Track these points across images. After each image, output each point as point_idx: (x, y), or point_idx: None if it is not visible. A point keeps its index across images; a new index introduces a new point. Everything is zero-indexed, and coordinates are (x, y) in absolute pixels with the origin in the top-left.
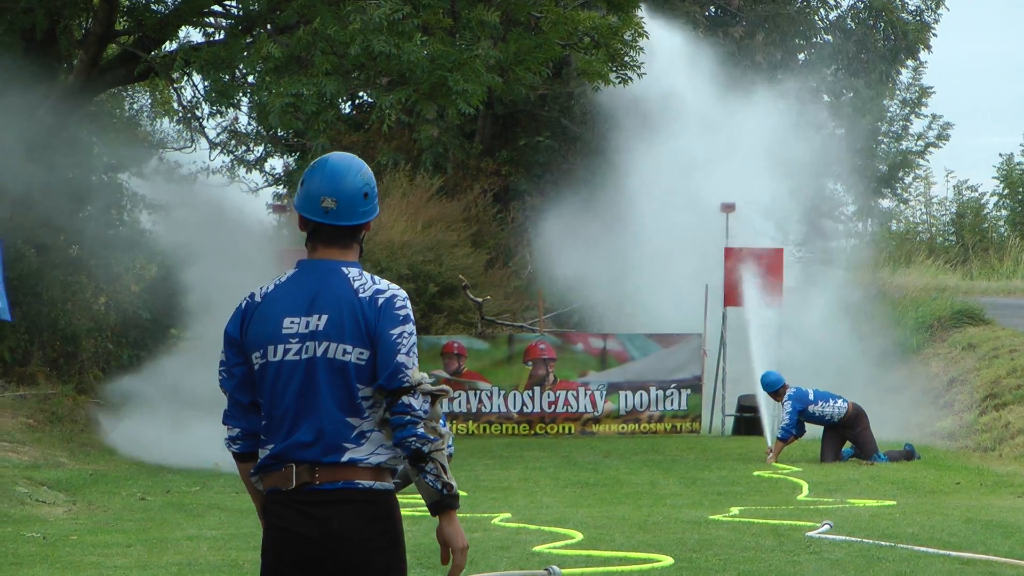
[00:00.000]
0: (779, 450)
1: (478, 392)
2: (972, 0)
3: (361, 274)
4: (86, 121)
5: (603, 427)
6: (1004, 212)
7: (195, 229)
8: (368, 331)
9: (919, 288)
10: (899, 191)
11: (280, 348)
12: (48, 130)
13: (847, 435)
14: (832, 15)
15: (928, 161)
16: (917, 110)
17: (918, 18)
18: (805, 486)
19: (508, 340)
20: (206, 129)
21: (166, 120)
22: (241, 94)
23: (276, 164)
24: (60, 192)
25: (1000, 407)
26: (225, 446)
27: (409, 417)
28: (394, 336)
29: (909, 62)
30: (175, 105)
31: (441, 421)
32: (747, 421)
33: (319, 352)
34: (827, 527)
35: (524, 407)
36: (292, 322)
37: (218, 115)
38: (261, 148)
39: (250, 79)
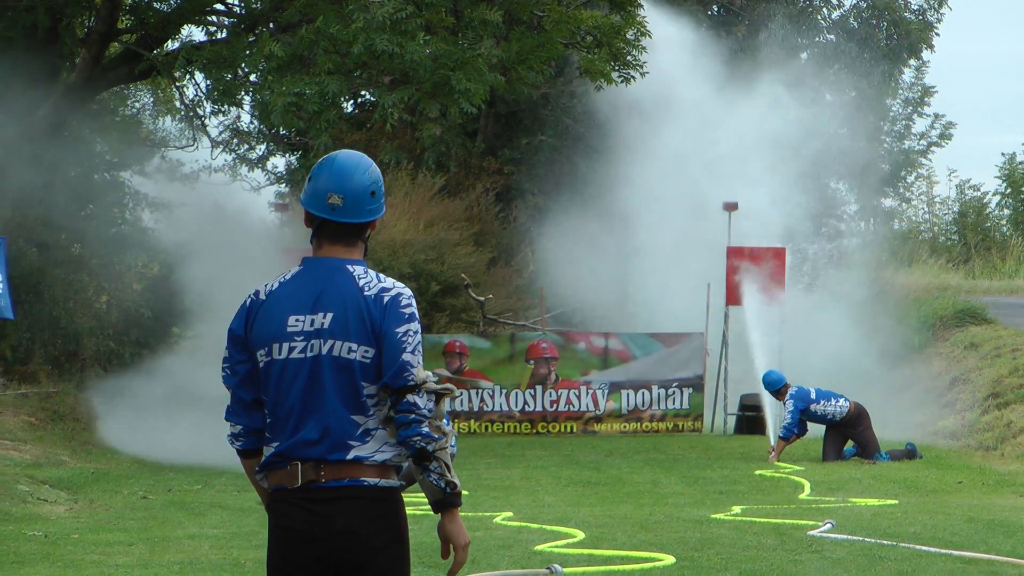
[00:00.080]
0: (781, 449)
1: (480, 391)
2: None
3: (366, 272)
4: (88, 119)
5: (605, 426)
6: (1007, 211)
7: (198, 228)
8: (373, 329)
9: (921, 287)
10: (902, 190)
11: (285, 346)
12: (50, 128)
13: (849, 434)
14: (835, 14)
15: (931, 160)
16: (920, 109)
17: (921, 17)
18: (807, 485)
19: (510, 339)
20: (208, 128)
21: (168, 118)
22: (243, 93)
23: (278, 163)
24: (62, 190)
25: (1002, 406)
26: (228, 443)
27: (414, 416)
28: (399, 334)
29: (912, 61)
30: (177, 104)
31: (445, 420)
32: (749, 420)
33: (324, 350)
34: (829, 526)
35: (526, 406)
36: (297, 320)
37: (220, 114)
38: (263, 147)
39: (252, 78)
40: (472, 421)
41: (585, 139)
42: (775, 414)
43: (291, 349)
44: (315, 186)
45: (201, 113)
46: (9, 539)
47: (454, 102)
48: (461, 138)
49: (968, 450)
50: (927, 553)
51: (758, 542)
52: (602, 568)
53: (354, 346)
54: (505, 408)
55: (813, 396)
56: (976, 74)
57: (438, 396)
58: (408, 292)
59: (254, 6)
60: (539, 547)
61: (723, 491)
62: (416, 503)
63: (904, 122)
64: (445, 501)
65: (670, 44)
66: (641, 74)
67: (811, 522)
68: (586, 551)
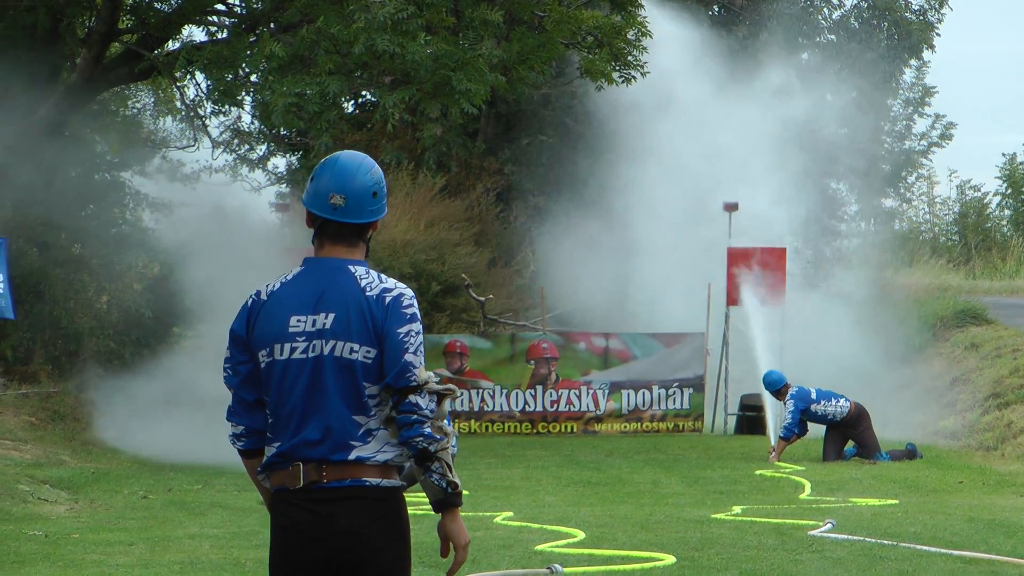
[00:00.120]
0: (781, 449)
1: (480, 391)
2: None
3: (368, 272)
4: (89, 119)
5: (605, 426)
6: (1007, 212)
7: (200, 228)
8: (375, 329)
9: (922, 288)
10: (902, 191)
11: (287, 347)
12: (51, 128)
13: (850, 434)
14: (836, 14)
15: (931, 161)
16: (920, 110)
17: (921, 17)
18: (807, 485)
19: (510, 339)
20: (209, 128)
21: (169, 119)
22: (244, 93)
23: (279, 163)
24: (62, 190)
25: (1003, 407)
26: (230, 443)
27: (416, 416)
28: (401, 335)
29: (913, 61)
30: (178, 104)
31: (446, 420)
32: (749, 420)
33: (326, 351)
34: (829, 526)
35: (526, 406)
36: (299, 320)
37: (221, 114)
38: (264, 147)
39: (253, 78)
40: (472, 421)
41: (586, 139)
42: (775, 414)
43: (293, 349)
44: (317, 186)
45: (202, 113)
46: (9, 539)
47: (455, 102)
48: (462, 138)
49: (969, 450)
50: (928, 553)
51: (758, 542)
52: (602, 568)
53: (356, 346)
54: (506, 408)
55: (813, 396)
56: (977, 74)
57: (440, 397)
58: (410, 292)
59: (255, 6)
60: (539, 547)
61: (723, 491)
62: (416, 503)
63: (905, 122)
64: (446, 501)
65: (671, 43)
66: (642, 74)
67: (812, 522)
68: (586, 551)
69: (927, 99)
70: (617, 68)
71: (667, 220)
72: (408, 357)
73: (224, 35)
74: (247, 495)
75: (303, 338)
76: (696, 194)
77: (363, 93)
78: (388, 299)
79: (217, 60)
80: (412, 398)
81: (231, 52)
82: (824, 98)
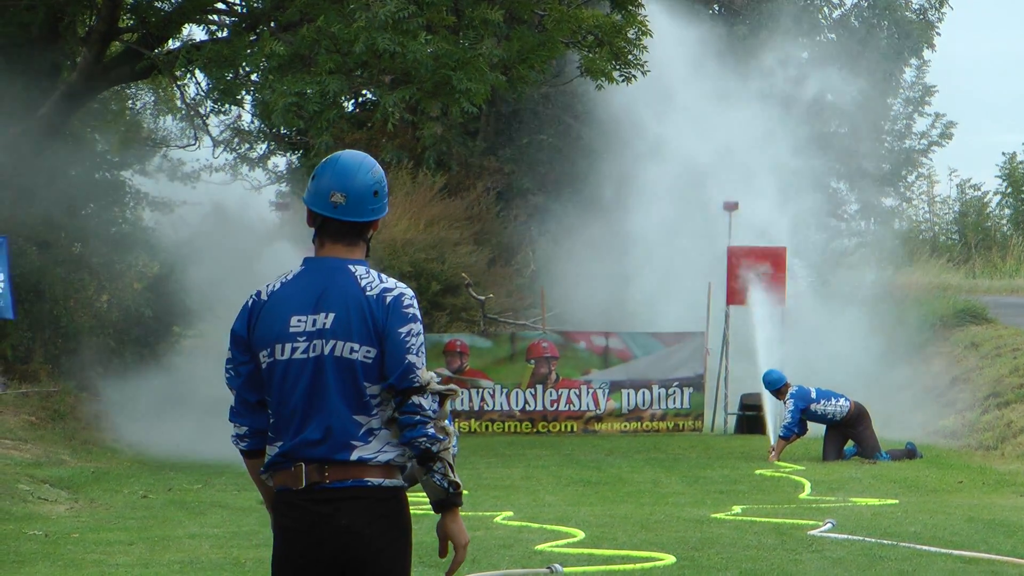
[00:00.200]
0: (781, 448)
1: (480, 390)
2: None
3: (368, 272)
4: (89, 119)
5: (605, 425)
6: (1007, 211)
7: (202, 227)
8: (376, 329)
9: (922, 287)
10: (902, 190)
11: (288, 347)
12: (51, 127)
13: (849, 434)
14: (836, 13)
15: (931, 160)
16: (920, 109)
17: (922, 17)
18: (807, 485)
19: (510, 338)
20: (209, 127)
21: (169, 117)
22: (244, 92)
23: (279, 162)
24: (63, 189)
25: (1003, 406)
26: (232, 443)
27: (419, 417)
28: (402, 335)
29: (913, 60)
30: (179, 103)
31: (448, 420)
32: (749, 420)
33: (326, 350)
34: (829, 526)
35: (526, 405)
36: (299, 320)
37: (220, 113)
38: (264, 146)
39: (253, 77)
40: (472, 420)
41: (586, 138)
42: (775, 413)
43: (294, 350)
44: (318, 185)
45: (202, 112)
46: (9, 538)
47: (455, 102)
48: (462, 137)
49: (968, 450)
50: (927, 553)
51: (758, 542)
52: (602, 568)
53: (356, 346)
54: (506, 407)
55: (813, 395)
56: (977, 73)
57: (442, 397)
58: (410, 292)
59: (255, 5)
60: (539, 546)
61: (723, 490)
62: (416, 503)
63: (905, 121)
64: (447, 501)
65: (671, 42)
66: (643, 73)
67: (811, 522)
68: (586, 551)
69: (927, 98)
70: (618, 67)
71: (667, 219)
72: (410, 358)
73: (224, 34)
74: (247, 495)
75: (304, 338)
76: (696, 193)
77: (363, 92)
78: (388, 299)
79: (217, 59)
80: (415, 399)
81: (231, 51)
82: (824, 97)
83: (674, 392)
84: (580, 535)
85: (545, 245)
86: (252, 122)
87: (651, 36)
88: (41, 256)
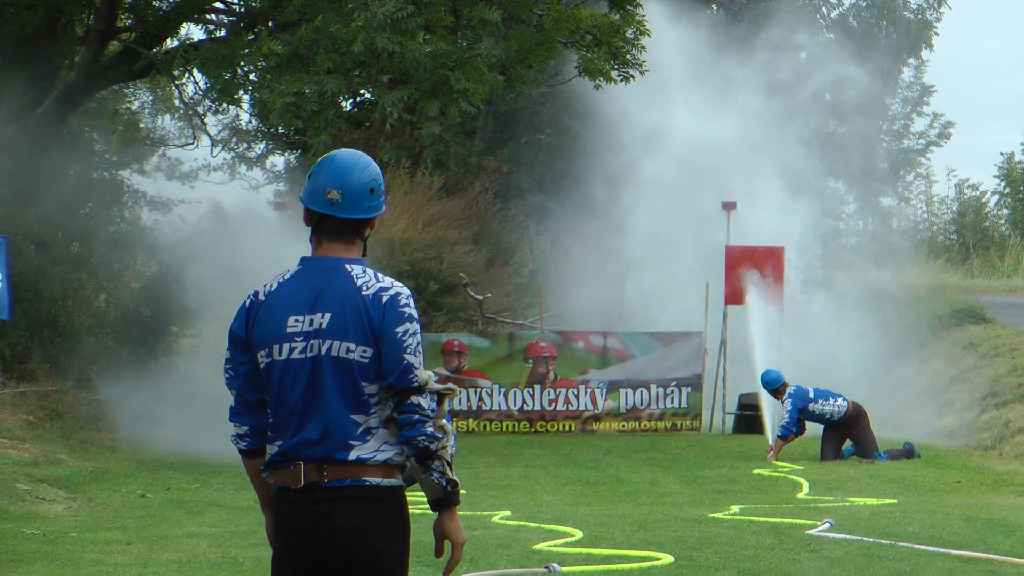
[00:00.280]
0: (779, 448)
1: (478, 390)
2: None
3: (365, 271)
4: (87, 118)
5: (603, 425)
6: (1005, 211)
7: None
8: (372, 329)
9: (920, 287)
10: (900, 189)
11: (285, 347)
12: (49, 127)
13: (847, 433)
14: (834, 13)
15: (929, 160)
16: (919, 108)
17: (920, 17)
18: (805, 484)
19: (509, 338)
20: (208, 126)
21: (167, 117)
22: (243, 91)
23: (277, 161)
24: (61, 189)
25: (1001, 406)
26: (232, 443)
27: (418, 416)
28: (399, 334)
29: (911, 60)
30: (177, 102)
31: (446, 419)
32: (747, 419)
33: (323, 350)
34: (827, 525)
35: (524, 405)
36: (296, 320)
37: (218, 112)
38: (262, 145)
39: (252, 76)
40: (471, 420)
41: (584, 138)
42: (773, 413)
43: (291, 350)
44: (315, 183)
45: (201, 111)
46: (7, 538)
47: (453, 102)
48: (460, 137)
49: (966, 449)
50: (925, 552)
51: (756, 541)
52: (600, 567)
53: (352, 346)
54: (504, 407)
55: (811, 395)
56: (975, 73)
57: (440, 396)
58: (407, 291)
59: (253, 4)
60: (537, 546)
61: (721, 490)
62: (414, 502)
63: (903, 121)
64: (446, 499)
65: (669, 42)
66: (641, 72)
67: (809, 521)
68: (584, 550)
69: (926, 98)
70: (616, 67)
71: (665, 219)
72: (408, 358)
73: (223, 33)
74: (245, 494)
75: (301, 338)
76: (694, 193)
77: (361, 92)
78: (385, 298)
79: (215, 58)
80: (414, 399)
81: (229, 50)
82: (822, 97)
83: (672, 392)
84: (578, 535)
85: (543, 244)
86: (250, 121)
87: (649, 36)
88: (39, 255)
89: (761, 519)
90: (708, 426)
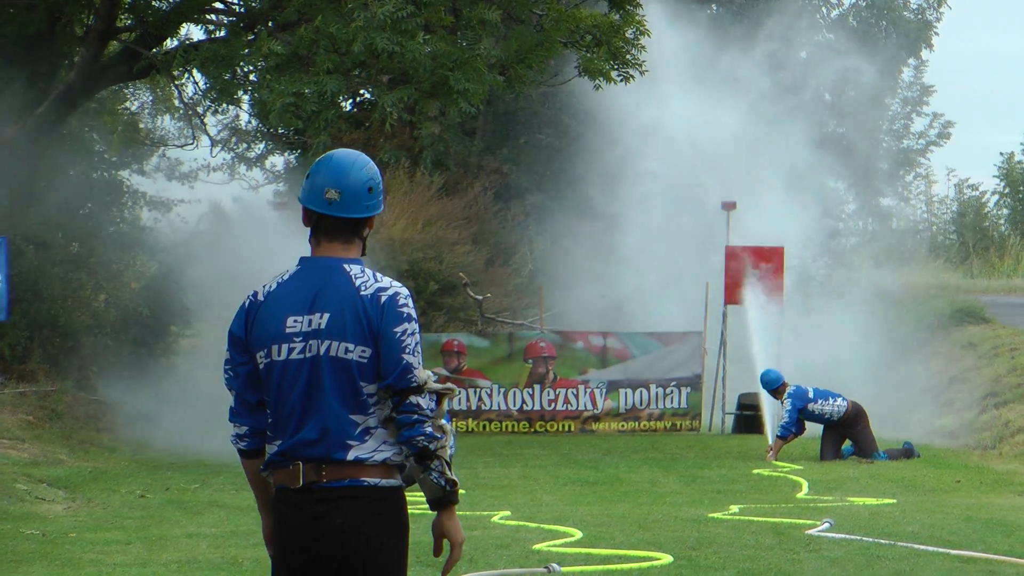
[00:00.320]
0: (779, 448)
1: (478, 390)
2: None
3: (363, 271)
4: (87, 118)
5: (603, 425)
6: (1005, 211)
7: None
8: (370, 329)
9: (920, 286)
10: (900, 189)
11: (284, 347)
12: (49, 127)
13: (847, 433)
14: (834, 13)
15: (929, 159)
16: (918, 108)
17: (920, 17)
18: (805, 484)
19: (508, 338)
20: (207, 126)
21: (167, 117)
22: (242, 91)
23: (277, 161)
24: (60, 189)
25: (1000, 405)
26: (232, 443)
27: (417, 416)
28: (397, 334)
29: (911, 60)
30: (176, 102)
31: (445, 419)
32: (747, 419)
33: (322, 351)
34: (827, 525)
35: (524, 405)
36: (295, 321)
37: (217, 112)
38: (262, 145)
39: (252, 76)
40: (470, 420)
41: (584, 138)
42: (773, 413)
43: (290, 350)
44: (313, 182)
45: (200, 111)
46: (7, 538)
47: (453, 102)
48: (460, 137)
49: (966, 449)
50: (925, 552)
51: (756, 541)
52: (600, 567)
53: (351, 346)
54: (503, 407)
55: (811, 395)
56: (975, 73)
57: (440, 396)
58: (405, 291)
59: (253, 5)
60: (537, 546)
61: (721, 490)
62: (414, 502)
63: (903, 121)
64: (444, 499)
65: (669, 41)
66: (641, 72)
67: (809, 521)
68: (584, 550)
69: (925, 98)
70: (616, 67)
71: (665, 218)
72: (407, 358)
73: (222, 33)
74: (244, 494)
75: (300, 338)
76: (694, 192)
77: (361, 92)
78: (383, 298)
79: (215, 59)
80: (413, 399)
81: (229, 51)
82: (822, 97)
83: (672, 392)
84: (577, 535)
85: (543, 245)
86: (250, 122)
87: (649, 36)
88: (39, 256)
89: (760, 519)
90: (708, 426)
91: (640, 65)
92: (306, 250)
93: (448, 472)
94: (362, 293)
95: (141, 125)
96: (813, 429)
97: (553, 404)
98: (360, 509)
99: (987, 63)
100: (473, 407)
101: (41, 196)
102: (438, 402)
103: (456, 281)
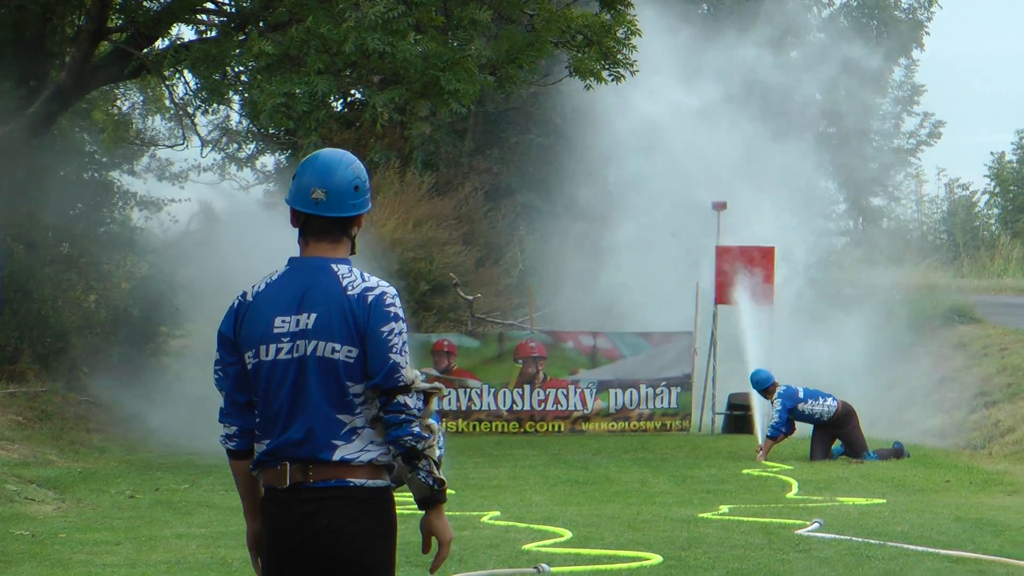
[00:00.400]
0: (769, 448)
1: (468, 390)
2: None
3: (351, 271)
4: (77, 118)
5: (593, 425)
6: (995, 210)
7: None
8: (357, 329)
9: (910, 286)
10: (891, 189)
11: (272, 347)
12: (39, 127)
13: (837, 433)
14: (825, 13)
15: (920, 159)
16: (909, 108)
17: (911, 16)
18: (795, 484)
19: (498, 338)
20: (198, 126)
21: (158, 117)
22: (233, 91)
23: (267, 161)
24: (51, 189)
25: (990, 405)
26: (221, 443)
27: (404, 416)
28: (385, 334)
29: (902, 60)
30: (167, 102)
31: (435, 418)
32: (737, 419)
33: (309, 351)
34: (817, 525)
35: (514, 405)
36: (283, 321)
37: (208, 112)
38: (252, 145)
39: (242, 77)
40: (460, 420)
41: (574, 138)
42: (763, 413)
43: (278, 350)
44: (299, 183)
45: (191, 112)
46: None
47: (444, 103)
48: (450, 137)
49: (956, 449)
50: (915, 552)
51: (746, 541)
52: (589, 567)
53: (337, 346)
54: (493, 407)
55: (801, 395)
56: (966, 73)
57: (427, 395)
58: (393, 291)
59: (244, 5)
60: (526, 546)
61: (711, 490)
62: (402, 502)
63: (894, 121)
64: (432, 498)
65: (660, 41)
66: (632, 72)
67: (799, 521)
68: (573, 550)
69: (916, 97)
70: (607, 67)
71: (656, 218)
72: (394, 357)
73: (213, 34)
74: (234, 494)
75: (287, 339)
76: (684, 192)
77: (352, 92)
78: (370, 298)
79: (205, 59)
80: (400, 398)
81: (219, 51)
82: (813, 96)
83: (662, 392)
84: (567, 535)
85: (533, 245)
86: (240, 122)
87: (640, 36)
88: (29, 256)
89: (750, 519)
90: (698, 426)
91: (631, 65)
92: (296, 250)
93: (436, 471)
94: (349, 293)
95: (133, 125)
96: (803, 429)
97: (543, 404)
98: (347, 509)
99: (978, 63)
100: (463, 407)
101: (32, 196)
102: (426, 402)
103: (446, 281)
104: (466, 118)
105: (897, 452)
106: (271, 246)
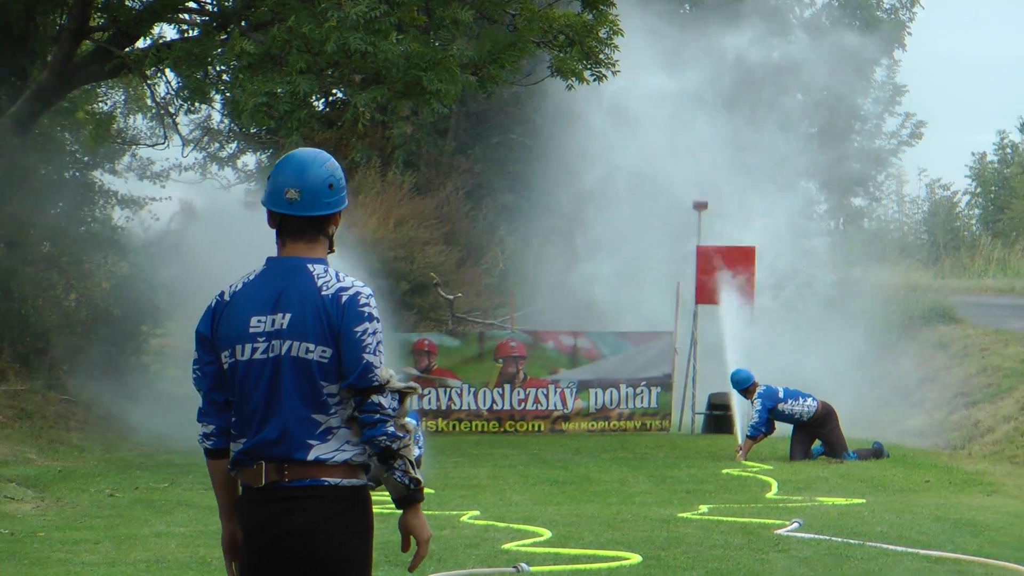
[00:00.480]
0: (748, 448)
1: (448, 389)
2: None
3: (327, 271)
4: (59, 117)
5: (573, 425)
6: (976, 211)
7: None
8: (331, 329)
9: (891, 286)
10: (872, 189)
11: (248, 347)
12: (20, 126)
13: (817, 433)
14: (807, 13)
15: (901, 159)
16: (891, 108)
17: (893, 16)
18: (774, 484)
19: (479, 337)
20: (179, 126)
21: (139, 116)
22: (214, 91)
23: (249, 161)
24: (32, 188)
25: (970, 405)
26: (199, 442)
27: (379, 415)
28: (358, 334)
29: (884, 60)
30: (149, 101)
31: (414, 417)
32: (717, 419)
33: (284, 351)
34: (796, 525)
35: (494, 404)
36: (259, 321)
37: (190, 111)
38: (234, 145)
39: (224, 76)
40: (440, 419)
41: (555, 138)
42: (743, 413)
43: (253, 350)
44: (274, 184)
45: (172, 111)
46: None
47: (425, 103)
48: (432, 137)
49: (936, 449)
50: (894, 552)
51: (725, 541)
52: (569, 567)
53: (311, 346)
54: (473, 406)
55: (781, 395)
56: (947, 73)
57: (402, 395)
58: (368, 291)
59: (226, 4)
60: (506, 546)
61: (690, 490)
62: (380, 501)
63: (875, 121)
64: (409, 497)
65: (641, 40)
66: (613, 72)
67: (778, 521)
68: (553, 550)
69: (898, 98)
70: (589, 66)
71: (637, 218)
72: (368, 357)
73: (195, 33)
74: (213, 493)
75: (263, 339)
76: (665, 193)
77: (334, 91)
78: (344, 298)
79: (187, 58)
80: (375, 398)
81: (201, 50)
82: (795, 96)
83: (642, 391)
84: (546, 534)
85: (514, 244)
86: (222, 121)
87: (622, 35)
88: (9, 255)
89: (730, 519)
90: (677, 426)
91: (613, 65)
92: (275, 249)
93: (412, 471)
94: (323, 293)
95: (114, 125)
96: (783, 429)
97: (523, 404)
98: (322, 508)
99: (960, 63)
100: (443, 407)
101: (12, 195)
102: (401, 401)
103: (427, 281)
104: (448, 118)
105: (877, 452)
106: (252, 245)
